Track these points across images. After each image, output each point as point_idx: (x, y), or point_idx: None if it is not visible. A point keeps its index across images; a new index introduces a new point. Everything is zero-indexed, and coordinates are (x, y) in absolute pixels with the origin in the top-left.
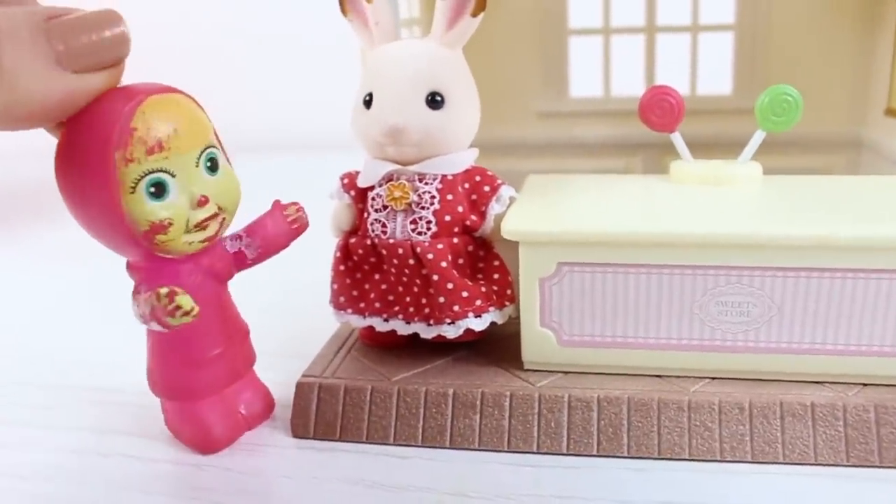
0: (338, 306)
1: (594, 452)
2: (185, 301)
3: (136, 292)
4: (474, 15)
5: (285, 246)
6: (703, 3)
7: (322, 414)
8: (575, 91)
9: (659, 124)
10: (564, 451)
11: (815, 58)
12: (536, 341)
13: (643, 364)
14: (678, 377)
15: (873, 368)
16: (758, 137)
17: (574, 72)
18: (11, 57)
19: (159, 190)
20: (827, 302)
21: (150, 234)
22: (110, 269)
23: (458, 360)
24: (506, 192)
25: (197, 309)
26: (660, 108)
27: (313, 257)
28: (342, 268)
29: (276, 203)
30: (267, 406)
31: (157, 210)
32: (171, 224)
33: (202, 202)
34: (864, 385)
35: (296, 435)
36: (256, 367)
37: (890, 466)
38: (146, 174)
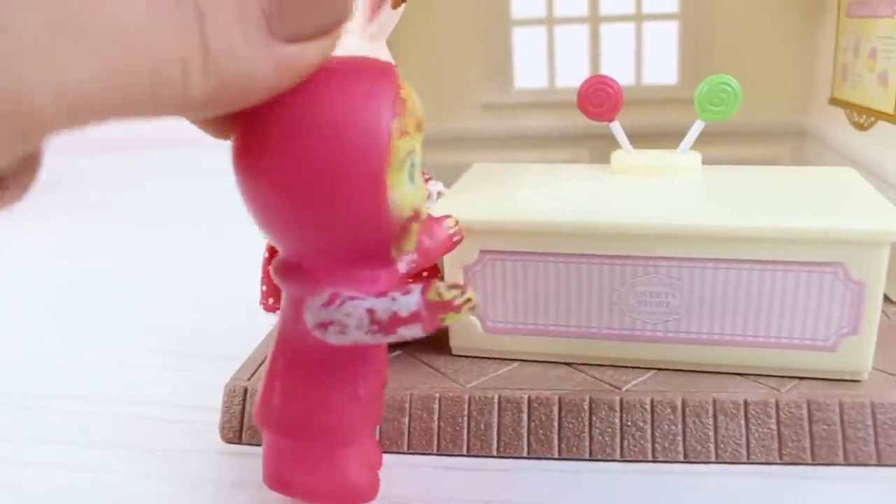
0: (267, 308)
1: (524, 454)
2: (473, 295)
3: (329, 303)
4: (395, 7)
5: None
6: None
7: (251, 418)
8: (519, 82)
9: (597, 114)
10: (495, 454)
11: (759, 47)
12: (462, 328)
13: (565, 352)
14: (612, 370)
15: (804, 363)
16: (697, 127)
17: (518, 63)
18: (218, 36)
19: (411, 175)
20: (747, 294)
21: (409, 223)
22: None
23: (391, 360)
24: (434, 187)
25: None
26: (597, 98)
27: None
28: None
29: (437, 219)
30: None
31: (416, 194)
32: (420, 213)
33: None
34: (800, 379)
35: (225, 440)
36: (193, 371)
37: (822, 464)
38: (411, 152)
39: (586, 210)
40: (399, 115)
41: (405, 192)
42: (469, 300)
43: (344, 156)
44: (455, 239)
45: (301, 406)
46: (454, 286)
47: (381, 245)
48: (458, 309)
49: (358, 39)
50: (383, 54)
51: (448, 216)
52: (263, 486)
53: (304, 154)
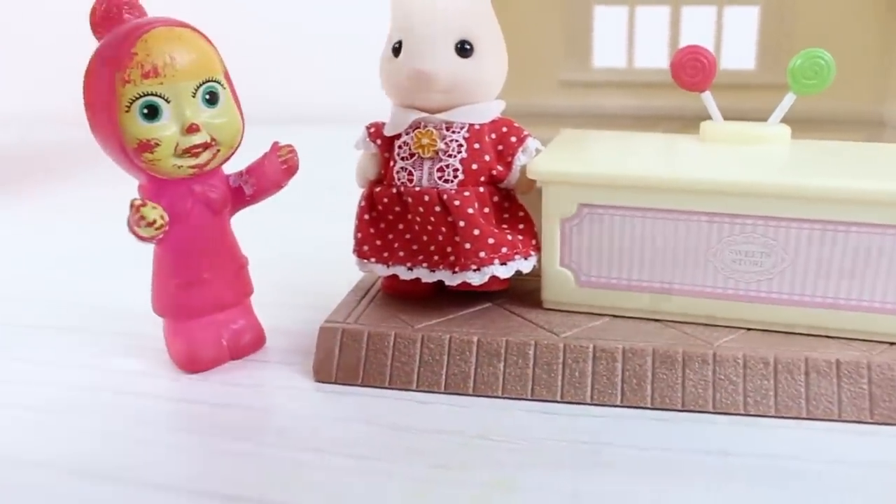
0: (361, 255)
1: (618, 403)
2: (149, 213)
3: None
4: None
5: (279, 185)
6: None
7: (344, 359)
8: (598, 61)
9: (690, 83)
10: (588, 401)
11: (840, 35)
12: (556, 281)
13: (658, 308)
14: (702, 328)
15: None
16: (788, 100)
17: (598, 42)
18: None
19: (152, 112)
20: (841, 257)
21: (139, 152)
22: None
23: (482, 311)
24: (532, 143)
25: (161, 223)
26: (692, 68)
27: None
28: (366, 217)
29: (273, 144)
30: (256, 339)
31: (146, 130)
32: (157, 145)
33: (192, 129)
34: (891, 344)
35: (318, 379)
36: (279, 315)
37: None
38: (141, 96)
39: (684, 167)
40: (124, 68)
41: (136, 128)
42: (143, 217)
43: (94, 100)
44: (284, 167)
45: (154, 289)
46: (153, 207)
47: (140, 169)
48: (137, 223)
49: None
50: (489, 12)
51: (286, 145)
52: (358, 421)
53: (85, 98)
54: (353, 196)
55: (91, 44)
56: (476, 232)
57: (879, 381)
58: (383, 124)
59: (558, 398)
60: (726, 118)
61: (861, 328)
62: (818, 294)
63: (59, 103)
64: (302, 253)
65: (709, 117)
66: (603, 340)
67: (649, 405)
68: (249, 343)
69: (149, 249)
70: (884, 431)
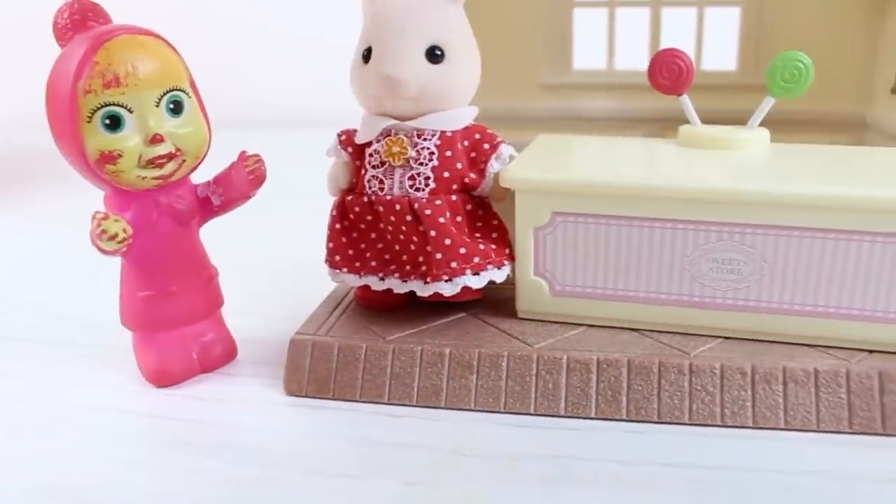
0: (333, 265)
1: (592, 415)
2: (111, 226)
3: None
4: None
5: (246, 195)
6: None
7: (315, 371)
8: (578, 63)
9: (667, 87)
10: (562, 413)
11: (822, 35)
12: (530, 290)
13: (633, 318)
14: (679, 337)
15: (876, 335)
16: (766, 104)
17: (578, 44)
18: None
19: (114, 123)
20: (819, 263)
21: (101, 164)
22: None
23: (455, 322)
24: (506, 150)
25: (123, 237)
26: (669, 71)
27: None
28: (338, 226)
29: (241, 154)
30: (227, 352)
31: (108, 141)
32: (120, 156)
33: (156, 140)
34: (870, 352)
35: (289, 392)
36: (253, 326)
37: (893, 434)
38: (102, 106)
39: (660, 174)
40: (85, 77)
41: (98, 140)
42: (104, 231)
43: (56, 110)
44: (251, 177)
45: (122, 301)
46: (115, 220)
47: (104, 180)
48: (99, 237)
49: (439, 0)
50: (462, 17)
51: (253, 154)
52: (329, 437)
53: (47, 108)
54: (326, 201)
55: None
56: (447, 241)
57: (858, 390)
58: (355, 132)
59: (532, 411)
60: (708, 119)
61: (840, 336)
62: (797, 302)
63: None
64: (274, 260)
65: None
66: (577, 351)
67: (625, 417)
68: (220, 356)
69: (117, 260)
70: (862, 441)
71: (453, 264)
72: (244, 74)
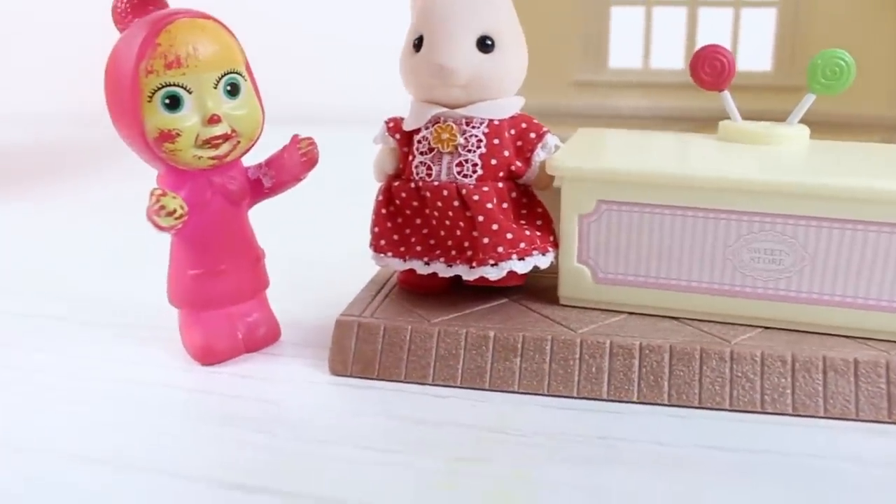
0: (378, 249)
1: (634, 399)
2: (169, 202)
3: None
4: None
5: (298, 177)
6: None
7: (360, 352)
8: (614, 62)
9: (709, 83)
10: (604, 397)
11: (856, 38)
12: (573, 277)
13: (675, 306)
14: (719, 325)
15: None
16: (807, 100)
17: (614, 42)
18: None
19: (174, 102)
20: (860, 255)
21: (160, 142)
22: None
23: (498, 307)
24: (551, 140)
25: (181, 212)
26: (711, 67)
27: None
28: (384, 211)
29: (294, 137)
30: (271, 333)
31: (168, 120)
32: (178, 135)
33: (214, 120)
34: None
35: (333, 372)
36: (293, 310)
37: None
38: (163, 86)
39: (703, 164)
40: (147, 58)
41: (157, 119)
42: (163, 207)
43: (116, 90)
44: (303, 160)
45: (171, 279)
46: (173, 197)
47: (160, 159)
48: (157, 213)
49: None
50: (510, 7)
51: (306, 137)
52: (374, 415)
53: (106, 89)
54: (368, 196)
55: (110, 39)
56: (494, 227)
57: None
58: (402, 119)
59: (574, 394)
60: (743, 119)
61: (880, 328)
62: (837, 293)
63: (74, 103)
64: (317, 248)
65: (724, 117)
66: (620, 337)
67: (666, 402)
68: (264, 336)
69: (165, 242)
70: None
71: (500, 249)
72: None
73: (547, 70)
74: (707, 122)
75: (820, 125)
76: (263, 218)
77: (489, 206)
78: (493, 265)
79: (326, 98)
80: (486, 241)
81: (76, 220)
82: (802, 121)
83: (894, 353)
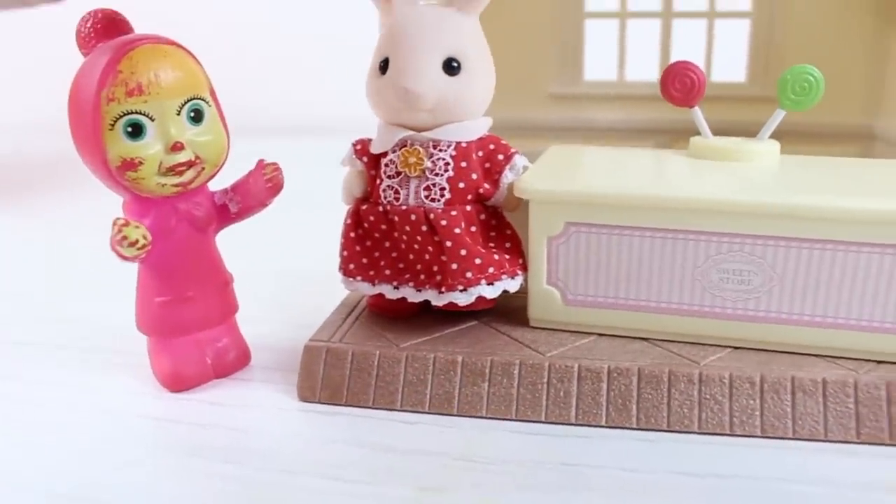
0: (347, 273)
1: (603, 423)
2: (131, 233)
3: None
4: None
5: (264, 203)
6: None
7: (329, 378)
8: (589, 74)
9: (679, 99)
10: (573, 421)
11: (831, 48)
12: (542, 300)
13: (644, 327)
14: (689, 346)
15: (884, 346)
16: (777, 116)
17: (589, 55)
18: None
19: (136, 130)
20: (828, 275)
21: (122, 170)
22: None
23: (468, 329)
24: (519, 161)
25: (143, 243)
26: (681, 84)
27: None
28: (353, 234)
29: (259, 162)
30: (241, 358)
31: (130, 148)
32: (141, 163)
33: (177, 147)
34: (878, 363)
35: (302, 399)
36: (265, 332)
37: None
38: (124, 114)
39: (671, 185)
40: (108, 86)
41: (119, 147)
42: (125, 237)
43: (78, 117)
44: (268, 185)
45: (138, 306)
46: (135, 227)
47: (124, 187)
48: (119, 242)
49: (455, 12)
50: (478, 28)
51: (271, 163)
52: (342, 442)
53: (69, 115)
54: (338, 210)
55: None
56: (463, 252)
57: (866, 400)
58: (369, 141)
59: (543, 419)
60: (717, 131)
61: (849, 346)
62: (806, 312)
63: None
64: (285, 268)
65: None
66: (588, 360)
67: (635, 425)
68: (234, 361)
69: (132, 266)
70: (870, 451)
71: (468, 274)
72: (257, 82)
73: (522, 83)
74: (683, 134)
75: (795, 136)
76: (234, 234)
77: (457, 230)
78: (462, 291)
79: (306, 108)
80: (454, 266)
81: (40, 238)
82: (777, 131)
83: (862, 372)
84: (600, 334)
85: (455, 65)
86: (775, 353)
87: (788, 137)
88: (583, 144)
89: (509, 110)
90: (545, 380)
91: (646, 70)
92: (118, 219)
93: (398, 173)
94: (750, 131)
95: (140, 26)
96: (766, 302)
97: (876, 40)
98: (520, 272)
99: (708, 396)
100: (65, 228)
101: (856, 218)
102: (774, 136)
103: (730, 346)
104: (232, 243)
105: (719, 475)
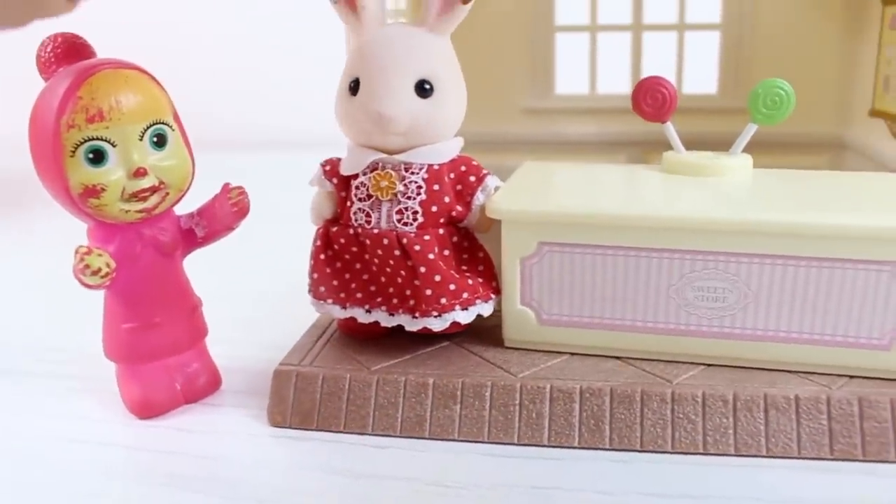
0: (318, 296)
1: (575, 444)
2: (94, 261)
3: None
4: (465, 2)
5: (230, 227)
6: (690, 2)
7: (299, 402)
8: (561, 88)
9: (651, 114)
10: (545, 443)
11: (800, 59)
12: (517, 319)
13: (620, 346)
14: (662, 364)
15: (857, 361)
16: (749, 130)
17: (560, 69)
18: None
19: (97, 157)
20: (802, 291)
21: (85, 197)
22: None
23: (439, 350)
24: (491, 182)
25: (107, 271)
26: (652, 99)
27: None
28: (322, 256)
29: (224, 186)
30: (211, 382)
31: (91, 175)
32: (103, 190)
33: (140, 173)
34: (851, 378)
35: (273, 424)
36: (236, 354)
37: (873, 460)
38: (85, 140)
39: (645, 203)
40: (68, 112)
41: (81, 174)
42: (87, 266)
43: (39, 145)
44: (234, 210)
45: (105, 333)
46: (98, 255)
47: (87, 213)
48: (82, 271)
49: (426, 33)
50: (449, 49)
51: (237, 187)
52: (313, 469)
53: (30, 142)
54: (310, 226)
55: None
56: (437, 278)
57: (839, 416)
58: (338, 161)
59: (515, 440)
60: (690, 142)
61: (822, 362)
62: (781, 329)
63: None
64: (257, 287)
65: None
66: (560, 380)
67: (608, 446)
68: (204, 386)
69: (100, 291)
70: (844, 468)
71: (443, 300)
72: (228, 96)
73: (494, 97)
74: (656, 147)
75: (768, 146)
76: (205, 253)
77: (431, 256)
78: (436, 316)
79: (269, 121)
80: (428, 292)
81: (4, 261)
82: (751, 144)
83: (835, 388)
84: (572, 353)
85: (427, 87)
86: (748, 369)
87: (760, 148)
88: (555, 159)
89: (481, 125)
90: (517, 401)
91: (617, 83)
92: (80, 247)
93: (369, 196)
94: (722, 142)
95: (115, 43)
96: (742, 319)
97: (845, 51)
98: (493, 296)
99: (681, 415)
100: (27, 251)
101: (826, 234)
102: (745, 147)
103: (703, 364)
104: (202, 262)
105: (693, 496)
